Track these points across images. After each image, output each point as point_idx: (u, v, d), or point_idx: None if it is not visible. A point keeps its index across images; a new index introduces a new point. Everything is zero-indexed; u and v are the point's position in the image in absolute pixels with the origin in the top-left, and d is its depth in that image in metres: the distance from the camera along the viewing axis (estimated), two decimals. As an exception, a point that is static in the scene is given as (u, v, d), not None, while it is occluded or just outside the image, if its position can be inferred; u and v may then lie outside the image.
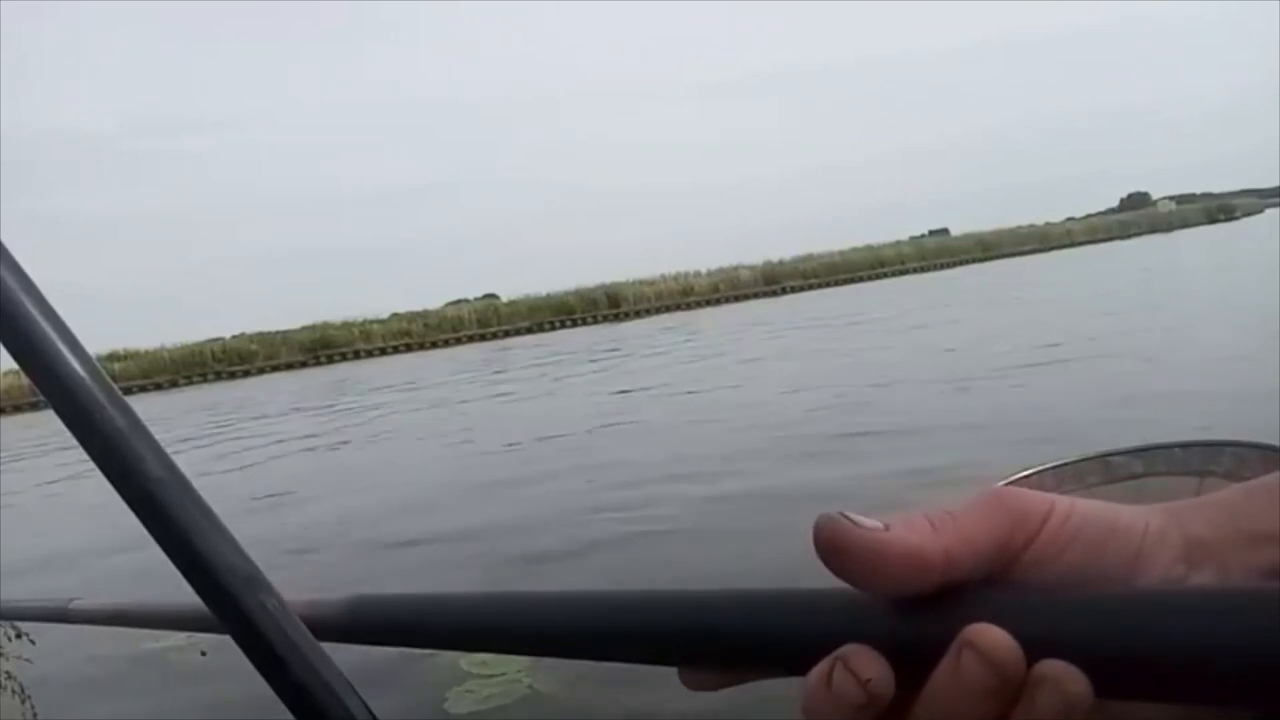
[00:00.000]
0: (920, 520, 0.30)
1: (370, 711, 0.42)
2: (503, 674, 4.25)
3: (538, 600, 0.42)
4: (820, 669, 0.30)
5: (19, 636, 3.62)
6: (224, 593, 0.41)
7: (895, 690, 0.30)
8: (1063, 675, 0.27)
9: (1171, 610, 0.26)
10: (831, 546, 0.30)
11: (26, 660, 3.67)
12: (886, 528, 0.30)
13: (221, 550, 0.42)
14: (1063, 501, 0.31)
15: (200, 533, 0.42)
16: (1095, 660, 0.27)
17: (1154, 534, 0.31)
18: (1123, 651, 0.26)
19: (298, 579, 5.96)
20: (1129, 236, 59.11)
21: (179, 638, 5.37)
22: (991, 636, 0.28)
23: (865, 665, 0.30)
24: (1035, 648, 0.27)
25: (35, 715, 3.58)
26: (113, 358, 41.48)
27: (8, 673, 3.56)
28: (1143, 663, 0.26)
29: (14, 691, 3.54)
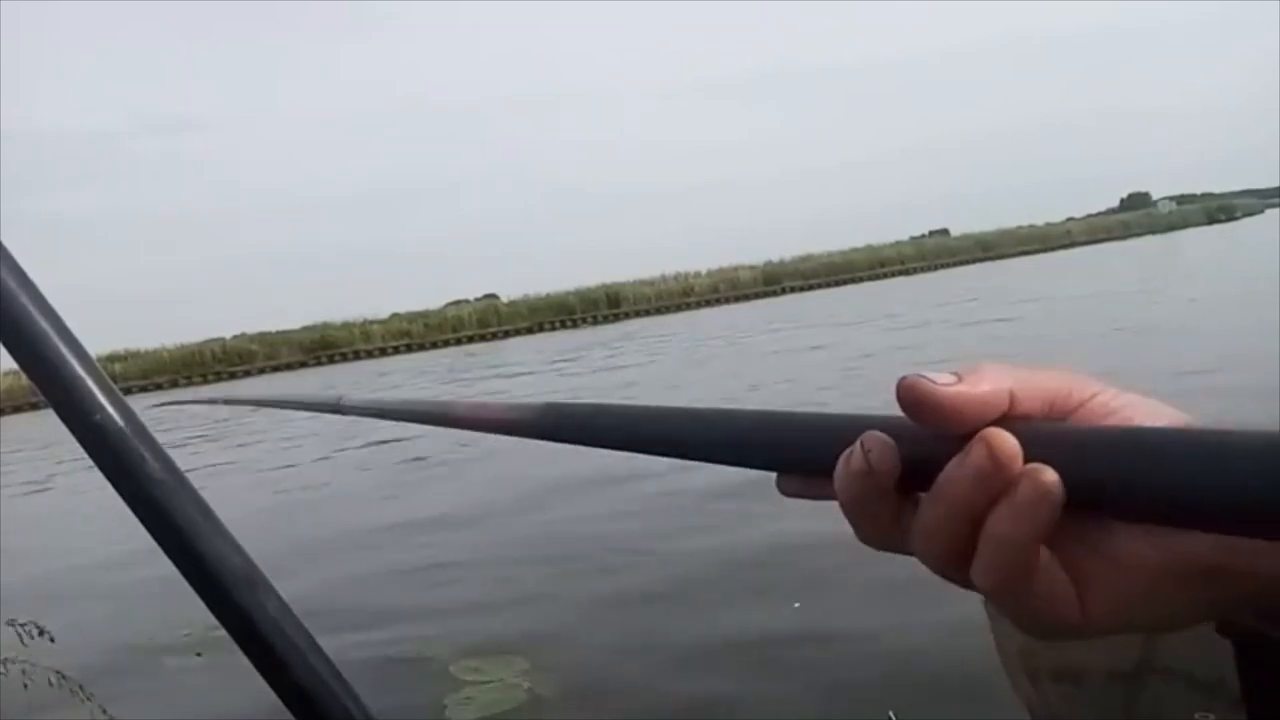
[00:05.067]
0: (989, 370, 0.37)
1: (369, 713, 0.42)
2: (500, 680, 4.24)
3: (684, 414, 0.48)
4: (846, 452, 0.38)
5: (41, 634, 3.62)
6: (224, 594, 0.41)
7: (899, 469, 0.37)
8: (1040, 471, 0.33)
9: (1146, 442, 0.32)
10: (912, 401, 0.36)
11: (27, 661, 3.66)
12: (959, 379, 0.36)
13: (222, 551, 0.42)
14: (1111, 390, 0.37)
15: (200, 533, 0.42)
16: (1076, 476, 0.33)
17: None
18: (1104, 474, 0.32)
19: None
20: (1129, 237, 59.09)
21: (178, 638, 5.37)
22: (999, 435, 0.34)
23: (872, 441, 0.37)
24: (1031, 457, 0.34)
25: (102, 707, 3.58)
26: (113, 358, 41.48)
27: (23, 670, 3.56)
28: (1119, 484, 0.32)
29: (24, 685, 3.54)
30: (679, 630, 4.58)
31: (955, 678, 3.49)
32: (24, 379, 0.47)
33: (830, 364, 14.55)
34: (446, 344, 42.38)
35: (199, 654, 5.06)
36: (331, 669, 0.42)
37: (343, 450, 12.69)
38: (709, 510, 6.63)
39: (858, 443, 0.37)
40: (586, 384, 17.59)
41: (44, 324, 0.41)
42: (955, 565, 0.37)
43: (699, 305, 46.26)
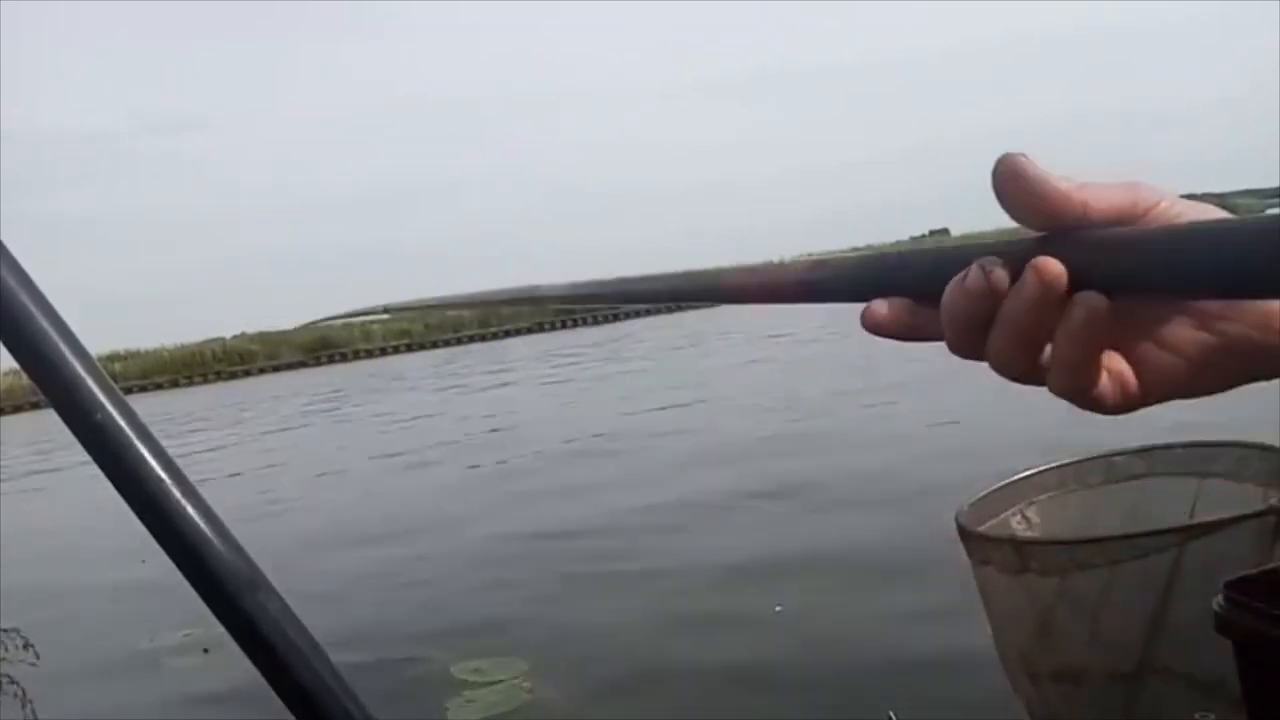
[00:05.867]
0: (1072, 178, 0.41)
1: (370, 714, 0.42)
2: (501, 681, 4.23)
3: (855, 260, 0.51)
4: (961, 273, 0.41)
5: (26, 647, 3.63)
6: (226, 595, 0.41)
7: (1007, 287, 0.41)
8: (1088, 298, 0.39)
9: (1176, 239, 0.38)
10: (1010, 174, 0.40)
11: (32, 664, 3.67)
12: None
13: (223, 552, 0.42)
14: (1170, 198, 0.42)
15: (202, 534, 0.41)
16: (1122, 275, 0.39)
17: None
18: (1141, 267, 0.38)
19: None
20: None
21: (177, 637, 5.37)
22: (1047, 263, 0.39)
23: (991, 264, 0.41)
24: (1080, 277, 0.39)
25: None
26: (113, 358, 41.46)
27: (9, 676, 3.56)
28: (1151, 271, 0.38)
29: (15, 695, 3.54)
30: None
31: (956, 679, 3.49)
32: (25, 378, 0.47)
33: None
34: (447, 344, 42.36)
35: (205, 650, 5.07)
36: (332, 669, 0.42)
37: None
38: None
39: (976, 265, 0.41)
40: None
41: (44, 323, 0.41)
42: (1029, 375, 0.43)
43: (699, 306, 46.20)
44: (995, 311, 0.41)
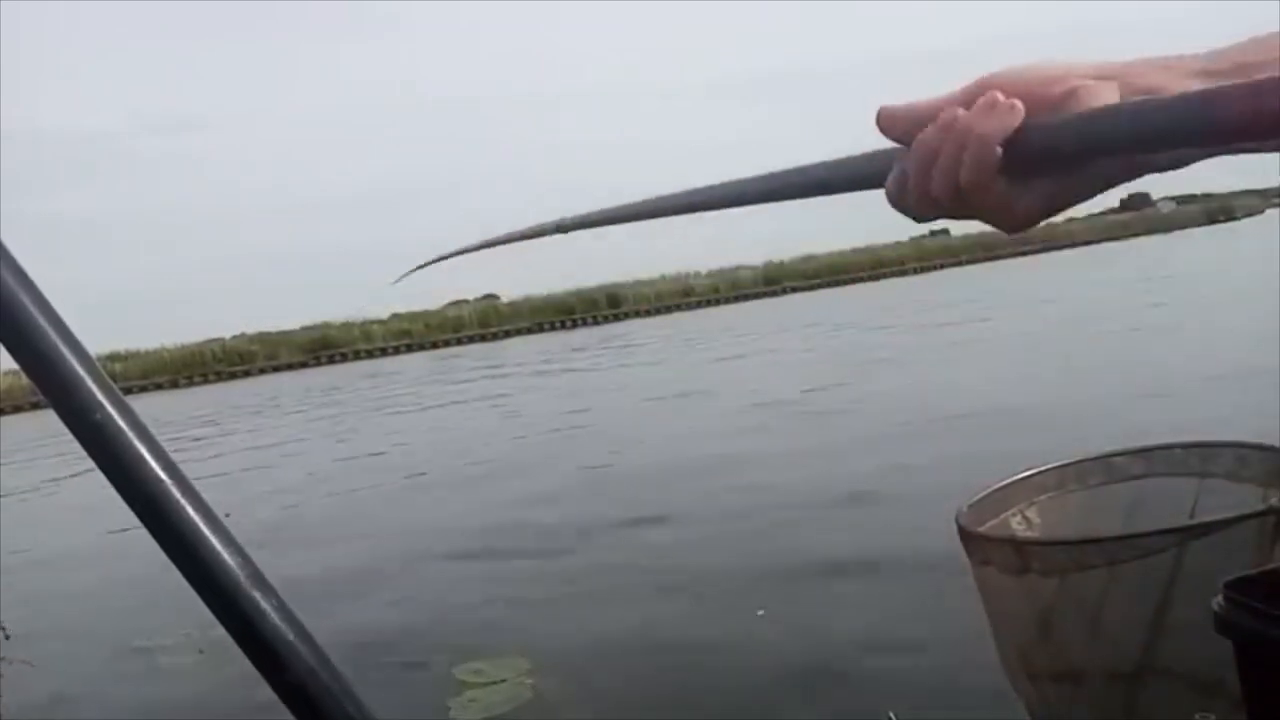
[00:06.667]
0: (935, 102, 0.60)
1: (369, 713, 0.42)
2: (504, 680, 4.23)
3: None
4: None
5: (7, 638, 3.62)
6: (224, 593, 0.41)
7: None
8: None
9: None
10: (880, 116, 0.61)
11: (26, 663, 3.67)
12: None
13: (222, 550, 0.42)
14: (1090, 85, 0.56)
15: (200, 532, 0.42)
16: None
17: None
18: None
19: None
20: (1129, 237, 59.03)
21: (178, 637, 5.37)
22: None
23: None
24: None
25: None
26: (113, 358, 41.42)
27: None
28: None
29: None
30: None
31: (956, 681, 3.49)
32: (24, 378, 0.47)
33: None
34: (447, 344, 42.34)
35: (200, 652, 5.07)
36: (331, 669, 0.42)
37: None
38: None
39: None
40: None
41: (44, 323, 0.41)
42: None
43: (699, 305, 46.23)
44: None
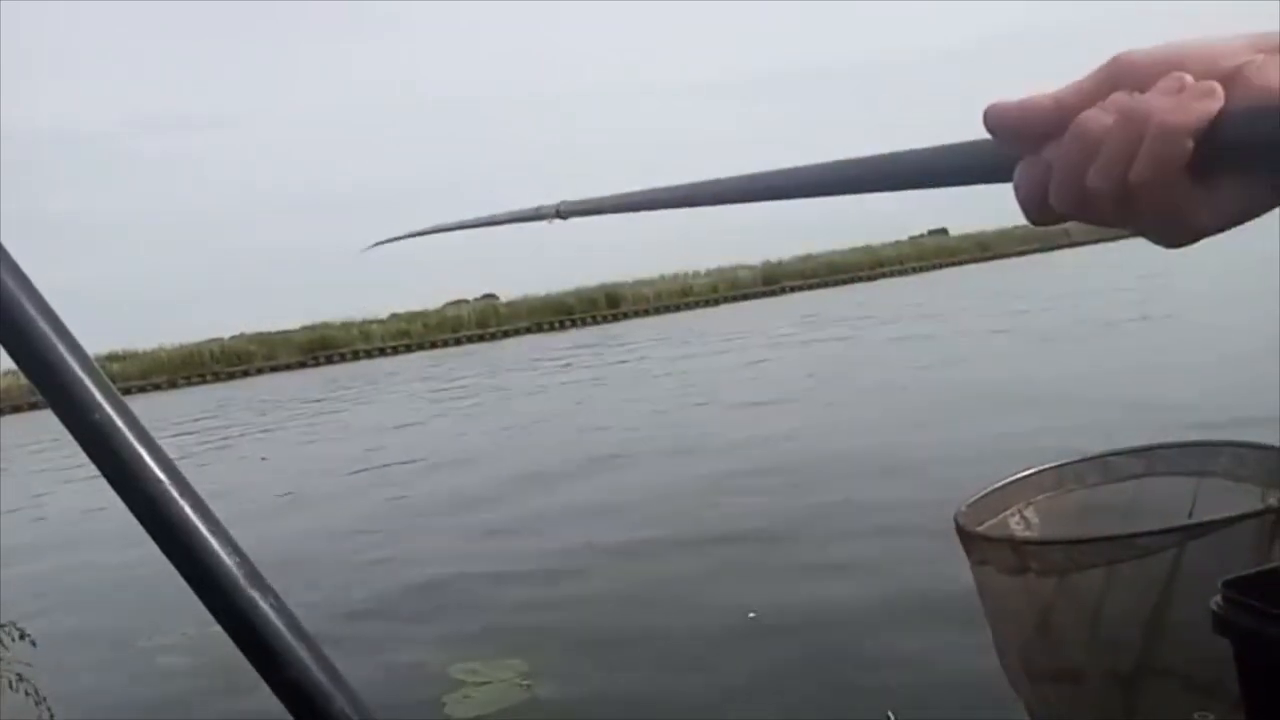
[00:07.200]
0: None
1: (367, 711, 0.42)
2: (501, 680, 4.23)
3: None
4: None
5: (21, 638, 3.61)
6: (222, 592, 0.41)
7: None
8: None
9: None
10: (996, 120, 0.51)
11: (27, 664, 3.66)
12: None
13: (220, 549, 0.42)
14: (1257, 62, 0.47)
15: (198, 532, 0.41)
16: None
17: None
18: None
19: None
20: (1128, 237, 59.04)
21: (177, 637, 5.37)
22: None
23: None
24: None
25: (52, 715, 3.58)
26: (111, 358, 41.38)
27: (19, 675, 3.55)
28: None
29: (26, 693, 3.53)
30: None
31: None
32: (23, 379, 0.47)
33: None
34: (446, 344, 42.32)
35: (202, 649, 5.06)
36: (330, 668, 0.42)
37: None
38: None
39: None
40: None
41: (42, 324, 0.41)
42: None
43: (699, 305, 46.21)
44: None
